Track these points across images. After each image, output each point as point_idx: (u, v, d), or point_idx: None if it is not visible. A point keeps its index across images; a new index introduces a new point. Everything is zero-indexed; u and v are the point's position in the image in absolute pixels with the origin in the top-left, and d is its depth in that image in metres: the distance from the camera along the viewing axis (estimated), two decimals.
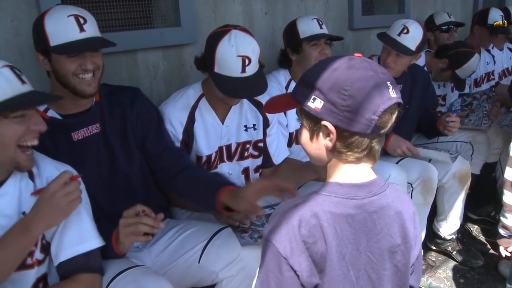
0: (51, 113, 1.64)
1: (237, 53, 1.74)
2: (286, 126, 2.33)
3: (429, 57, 3.04)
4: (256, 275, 1.08)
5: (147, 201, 1.63)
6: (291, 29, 2.42)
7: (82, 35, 1.53)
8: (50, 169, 1.43)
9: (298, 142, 2.35)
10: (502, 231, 1.92)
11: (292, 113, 2.31)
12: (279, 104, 1.14)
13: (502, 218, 1.91)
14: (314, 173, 2.05)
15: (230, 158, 2.07)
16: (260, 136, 2.11)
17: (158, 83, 2.32)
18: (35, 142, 1.34)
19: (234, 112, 2.03)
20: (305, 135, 1.05)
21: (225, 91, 1.81)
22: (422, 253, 2.57)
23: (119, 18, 2.17)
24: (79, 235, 1.42)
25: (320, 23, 2.37)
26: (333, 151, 1.01)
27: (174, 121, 1.90)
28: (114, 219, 1.57)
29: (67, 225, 1.41)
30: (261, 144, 2.13)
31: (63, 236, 1.41)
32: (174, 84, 2.34)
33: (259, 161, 2.15)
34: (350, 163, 1.02)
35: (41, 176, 1.42)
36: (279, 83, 2.39)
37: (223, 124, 2.00)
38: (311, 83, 0.99)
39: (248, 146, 2.10)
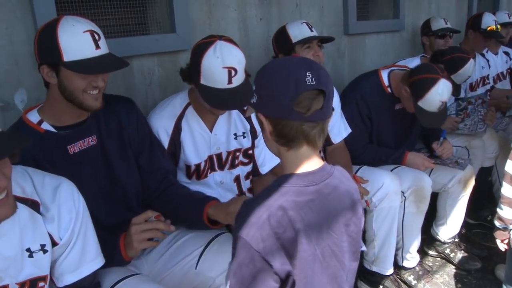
0: (46, 125, 1.59)
1: (223, 65, 1.74)
2: None
3: (425, 62, 3.03)
4: (228, 268, 1.11)
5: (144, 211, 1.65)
6: (281, 35, 2.42)
7: (98, 52, 1.50)
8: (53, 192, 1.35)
9: None
10: (497, 223, 1.92)
11: None
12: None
13: (498, 210, 1.90)
14: None
15: (221, 167, 2.06)
16: (249, 143, 2.10)
17: (153, 89, 2.32)
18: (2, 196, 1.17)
19: (222, 120, 2.02)
20: (261, 130, 1.15)
21: (212, 103, 1.81)
22: (419, 259, 2.63)
23: (114, 24, 2.16)
24: (85, 256, 1.41)
25: (310, 26, 2.40)
26: (276, 142, 1.11)
27: (160, 130, 1.91)
28: (113, 230, 1.58)
29: (74, 246, 1.39)
30: (251, 152, 2.13)
31: (69, 257, 1.39)
32: (169, 91, 2.34)
33: (249, 167, 2.15)
34: (295, 152, 1.11)
35: (48, 204, 1.34)
36: None
37: (211, 132, 2.00)
38: (254, 83, 1.14)
39: (238, 154, 2.09)
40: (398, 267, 2.62)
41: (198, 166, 1.99)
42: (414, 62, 2.96)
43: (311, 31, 2.38)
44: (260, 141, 2.15)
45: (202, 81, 1.79)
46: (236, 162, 2.10)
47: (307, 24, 2.40)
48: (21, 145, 1.11)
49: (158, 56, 2.31)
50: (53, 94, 1.57)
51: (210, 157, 2.02)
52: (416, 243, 2.59)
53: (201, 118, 1.98)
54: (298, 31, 2.38)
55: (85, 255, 1.41)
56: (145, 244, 1.56)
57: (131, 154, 1.78)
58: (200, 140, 1.98)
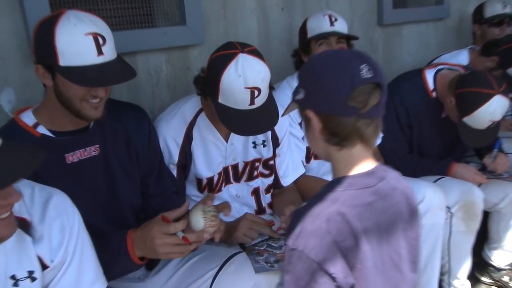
0: (42, 129, 1.62)
1: (245, 85, 1.76)
2: (302, 139, 2.38)
3: (474, 55, 3.04)
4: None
5: None
6: (301, 28, 2.47)
7: (100, 59, 1.51)
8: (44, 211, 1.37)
9: (317, 157, 2.44)
10: None
11: None
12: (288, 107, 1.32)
13: None
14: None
15: (237, 179, 2.12)
16: (270, 153, 2.15)
17: (160, 89, 2.38)
18: (5, 215, 1.20)
19: None
20: (306, 129, 1.22)
21: (232, 128, 1.85)
22: (470, 286, 2.62)
23: (116, 15, 2.23)
24: (82, 280, 1.41)
25: (333, 19, 2.37)
26: (326, 141, 1.18)
27: (169, 140, 1.96)
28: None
29: (68, 268, 1.39)
30: (272, 162, 2.17)
31: (63, 282, 1.38)
32: (179, 91, 2.41)
33: (270, 180, 2.20)
34: (348, 152, 1.18)
35: (37, 221, 1.35)
36: (293, 89, 2.46)
37: (227, 142, 2.04)
38: (298, 77, 1.21)
39: (257, 164, 2.14)
40: None
41: (210, 180, 2.05)
42: (461, 56, 2.97)
43: (332, 25, 2.38)
44: (281, 149, 2.20)
45: (221, 100, 1.82)
46: (255, 173, 2.16)
47: (329, 17, 2.40)
48: (41, 160, 1.17)
49: (166, 51, 2.37)
50: (49, 97, 1.61)
51: (225, 169, 2.09)
52: (465, 268, 2.59)
53: (215, 126, 2.02)
54: (316, 24, 2.40)
55: (81, 279, 1.41)
56: (170, 256, 1.61)
57: (136, 172, 1.82)
58: (214, 151, 2.04)
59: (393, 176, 1.24)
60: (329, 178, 2.43)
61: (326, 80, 1.13)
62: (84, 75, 1.49)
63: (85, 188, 1.68)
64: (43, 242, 1.34)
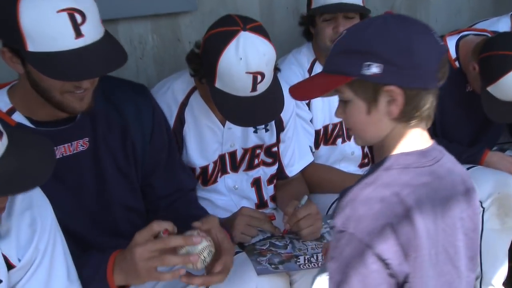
0: (18, 117, 1.54)
1: (247, 70, 1.73)
2: (311, 121, 2.36)
3: None
4: (327, 277, 1.18)
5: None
6: None
7: (79, 43, 1.39)
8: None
9: (327, 142, 2.44)
10: None
11: (319, 105, 2.36)
12: (317, 87, 1.27)
13: None
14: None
15: (235, 168, 2.10)
16: (273, 139, 2.13)
17: (146, 64, 2.35)
18: None
19: None
20: (359, 110, 1.21)
21: (229, 117, 1.84)
22: None
23: None
24: (52, 283, 1.39)
25: None
26: (397, 118, 1.18)
27: None
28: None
29: (38, 268, 1.37)
30: (275, 149, 2.16)
31: (30, 284, 1.36)
32: (167, 66, 2.37)
33: (273, 169, 2.18)
34: (411, 128, 1.21)
35: (3, 215, 1.31)
36: (301, 65, 2.40)
37: (224, 126, 2.03)
38: (360, 50, 1.17)
39: (258, 151, 2.12)
40: None
41: (204, 169, 2.03)
42: (501, 24, 2.89)
43: None
44: (286, 134, 2.18)
45: (218, 85, 1.80)
46: (256, 161, 2.14)
47: None
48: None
49: (152, 19, 2.35)
50: (24, 84, 1.51)
51: (221, 157, 2.07)
52: (501, 273, 2.55)
53: (210, 108, 2.01)
54: None
55: (52, 281, 1.39)
56: (156, 276, 1.48)
57: (133, 169, 1.76)
58: (208, 136, 2.02)
59: (449, 158, 1.26)
60: (340, 166, 2.51)
61: (419, 51, 1.15)
62: (58, 65, 1.38)
63: (68, 189, 1.63)
64: (10, 238, 1.31)
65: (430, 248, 1.16)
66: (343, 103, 1.24)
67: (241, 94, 1.79)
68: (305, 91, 1.33)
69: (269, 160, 2.17)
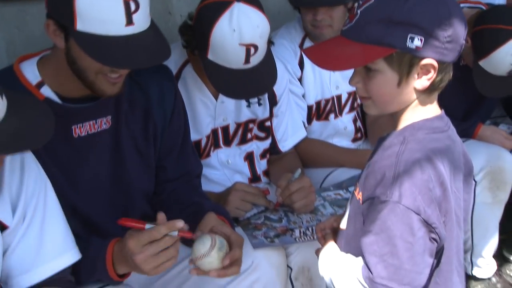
0: (47, 91, 1.53)
1: (240, 41, 1.73)
2: (303, 96, 2.36)
3: None
4: (367, 254, 1.18)
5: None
6: None
7: (128, 30, 1.40)
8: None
9: (320, 118, 2.45)
10: None
11: (310, 81, 2.36)
12: (352, 58, 1.23)
13: None
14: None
15: (227, 143, 2.11)
16: (266, 113, 2.15)
17: None
18: None
19: None
20: (389, 82, 1.22)
21: (222, 89, 1.84)
22: (496, 266, 2.66)
23: None
24: (45, 248, 1.38)
25: None
26: (426, 89, 1.21)
27: None
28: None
29: (28, 229, 1.36)
30: (268, 123, 2.17)
31: (21, 248, 1.36)
32: None
33: (266, 144, 2.19)
34: (431, 97, 1.25)
35: None
36: (293, 40, 2.39)
37: (216, 100, 2.03)
38: (403, 21, 1.17)
39: (251, 126, 2.13)
40: (466, 276, 2.63)
41: (197, 143, 2.04)
42: None
43: None
44: (280, 109, 2.19)
45: (210, 57, 1.79)
46: (249, 136, 2.15)
47: None
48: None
49: None
50: (58, 58, 1.50)
51: (214, 131, 2.07)
52: (491, 245, 2.60)
53: (203, 81, 2.01)
54: None
55: (45, 246, 1.38)
56: (161, 269, 1.46)
57: (152, 151, 1.76)
58: (201, 110, 2.02)
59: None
60: (333, 141, 2.51)
61: (456, 24, 1.17)
62: (104, 49, 1.39)
63: (87, 168, 1.63)
64: (2, 197, 1.31)
65: (454, 211, 1.21)
66: (366, 71, 1.23)
67: (233, 66, 1.79)
68: (336, 62, 1.28)
69: (262, 135, 2.18)
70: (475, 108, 2.71)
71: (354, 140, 2.57)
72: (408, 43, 1.16)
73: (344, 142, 2.53)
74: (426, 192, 1.14)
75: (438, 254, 1.20)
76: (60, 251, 1.42)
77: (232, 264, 1.53)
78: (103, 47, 1.39)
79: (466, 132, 2.59)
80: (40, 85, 1.53)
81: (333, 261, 1.32)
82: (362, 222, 1.24)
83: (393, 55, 1.18)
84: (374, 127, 2.53)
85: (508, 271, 2.85)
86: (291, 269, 1.84)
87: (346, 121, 2.52)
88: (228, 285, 1.72)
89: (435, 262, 1.20)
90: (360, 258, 1.23)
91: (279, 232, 1.84)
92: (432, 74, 1.19)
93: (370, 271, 1.16)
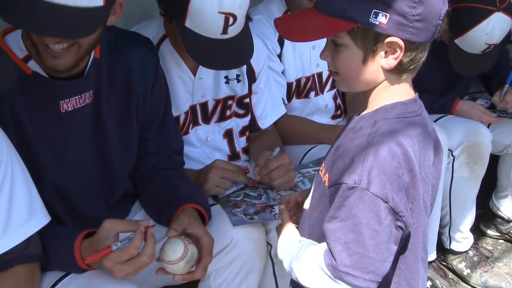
0: (34, 65, 1.53)
1: (220, 9, 1.73)
2: (282, 73, 2.36)
3: None
4: (331, 241, 1.15)
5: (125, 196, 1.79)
6: None
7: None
8: None
9: (300, 96, 2.45)
10: None
11: (290, 58, 2.36)
12: (316, 30, 1.22)
13: None
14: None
15: (206, 120, 2.11)
16: (245, 90, 2.15)
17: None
18: None
19: None
20: (354, 58, 1.19)
21: (198, 58, 1.85)
22: (473, 240, 2.70)
23: None
24: (12, 215, 1.38)
25: None
26: (394, 70, 1.18)
27: None
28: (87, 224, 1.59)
29: None
30: (247, 100, 2.18)
31: None
32: (135, 14, 2.31)
33: (245, 121, 2.20)
34: (403, 79, 1.21)
35: None
36: (271, 16, 2.35)
37: (195, 76, 2.03)
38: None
39: (230, 102, 2.14)
40: (444, 250, 2.70)
41: (176, 119, 2.03)
42: None
43: None
44: (259, 85, 2.19)
45: (188, 24, 1.78)
46: (228, 113, 2.15)
47: None
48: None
49: None
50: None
51: (192, 108, 2.07)
52: (469, 219, 2.65)
53: (181, 57, 2.00)
54: None
55: (12, 213, 1.38)
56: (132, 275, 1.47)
57: (134, 124, 1.77)
58: (179, 86, 2.02)
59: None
60: (313, 118, 2.50)
61: (429, 4, 1.15)
62: (204, 51, 1.80)
63: (73, 144, 1.65)
64: None
65: (422, 198, 1.19)
66: (334, 45, 1.21)
67: (211, 35, 1.79)
68: (301, 32, 1.27)
69: (241, 112, 2.19)
70: (453, 84, 2.74)
71: (334, 117, 2.58)
72: (372, 19, 1.13)
73: (324, 119, 2.54)
74: (395, 179, 1.12)
75: (403, 241, 1.19)
76: (26, 217, 1.42)
77: (200, 268, 1.56)
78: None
79: (444, 107, 2.64)
80: (27, 59, 1.53)
81: (293, 246, 1.29)
82: (326, 207, 1.21)
83: (356, 30, 1.15)
84: (354, 104, 2.54)
85: (484, 245, 2.92)
86: (271, 246, 1.86)
87: (327, 98, 2.53)
88: None
89: (401, 250, 1.20)
90: (321, 244, 1.21)
91: (258, 209, 1.86)
92: (399, 54, 1.15)
93: (334, 259, 1.14)
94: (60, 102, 1.58)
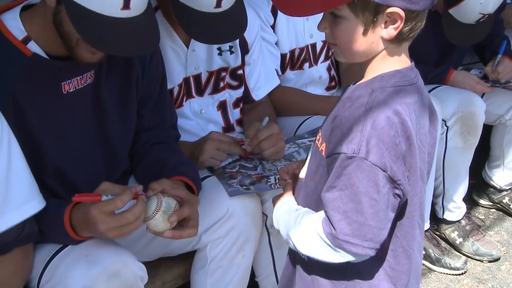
0: (34, 46, 1.51)
1: None
2: (276, 44, 2.36)
3: None
4: (330, 210, 1.16)
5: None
6: None
7: (122, 14, 1.39)
8: None
9: (294, 67, 2.45)
10: None
11: (283, 28, 2.35)
12: (316, 3, 1.20)
13: None
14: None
15: (200, 92, 2.11)
16: (238, 61, 2.15)
17: None
18: None
19: None
20: (354, 30, 1.18)
21: (192, 33, 1.83)
22: (466, 209, 2.74)
23: None
24: (15, 197, 1.39)
25: None
26: (394, 39, 1.18)
27: None
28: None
29: None
30: (240, 72, 2.18)
31: None
32: None
33: (239, 92, 2.20)
34: (400, 48, 1.21)
35: None
36: None
37: (187, 48, 2.03)
38: None
39: (224, 74, 2.14)
40: (437, 220, 2.74)
41: (169, 92, 2.02)
42: None
43: None
44: (252, 57, 2.19)
45: None
46: (222, 84, 2.15)
47: None
48: None
49: None
50: (46, 15, 1.48)
51: (186, 80, 2.07)
52: (462, 189, 2.68)
53: (174, 29, 1.99)
54: None
55: (10, 194, 1.38)
56: (126, 235, 1.48)
57: (134, 103, 1.78)
58: (172, 58, 2.01)
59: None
60: (308, 89, 2.50)
61: None
62: (93, 27, 1.38)
63: (75, 125, 1.65)
64: None
65: (418, 166, 1.21)
66: (333, 17, 1.19)
67: (204, 9, 1.76)
68: (298, 6, 1.23)
69: (235, 83, 2.19)
70: (447, 54, 2.74)
71: (328, 88, 2.58)
72: None
73: (318, 90, 2.53)
74: (393, 147, 1.13)
75: (400, 209, 1.21)
76: (25, 199, 1.42)
77: (188, 226, 1.55)
78: (93, 24, 1.39)
79: (439, 78, 2.64)
80: (26, 40, 1.51)
81: (290, 215, 1.30)
82: (324, 176, 1.22)
83: (357, 2, 1.14)
84: (348, 75, 2.53)
85: (476, 214, 2.97)
86: (266, 216, 1.88)
87: (321, 70, 2.53)
88: (203, 233, 1.77)
89: (397, 217, 1.21)
90: (319, 213, 1.22)
91: (254, 180, 1.88)
92: (399, 24, 1.15)
93: (333, 227, 1.15)
94: (62, 83, 1.57)
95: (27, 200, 1.43)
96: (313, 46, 2.47)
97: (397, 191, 1.14)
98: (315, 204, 1.24)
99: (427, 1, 1.16)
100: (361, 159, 1.12)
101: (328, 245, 1.17)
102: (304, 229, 1.23)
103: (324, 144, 1.24)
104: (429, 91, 2.54)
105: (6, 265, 1.46)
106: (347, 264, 1.19)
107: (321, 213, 1.21)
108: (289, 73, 2.44)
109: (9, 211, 1.38)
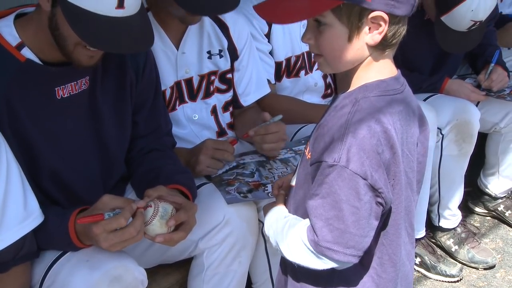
0: (28, 52, 1.51)
1: None
2: (270, 53, 2.35)
3: None
4: (313, 217, 1.17)
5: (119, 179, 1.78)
6: None
7: (117, 13, 1.40)
8: None
9: (290, 75, 2.46)
10: None
11: (279, 37, 2.35)
12: (301, 10, 1.20)
13: None
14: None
15: (193, 97, 2.10)
16: (228, 65, 2.14)
17: None
18: None
19: (192, 34, 2.03)
20: (339, 37, 1.18)
21: (188, 6, 1.80)
22: (461, 217, 2.74)
23: None
24: (13, 214, 1.39)
25: None
26: (378, 45, 1.18)
27: None
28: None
29: None
30: (229, 76, 2.16)
31: None
32: None
33: (228, 96, 2.19)
34: (385, 56, 1.21)
35: None
36: None
37: (178, 50, 2.03)
38: None
39: (213, 78, 2.13)
40: (432, 227, 2.74)
41: (162, 94, 2.01)
42: None
43: None
44: (241, 63, 2.17)
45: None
46: (212, 88, 2.14)
47: None
48: None
49: None
50: (41, 21, 1.49)
51: (178, 84, 2.06)
52: (457, 197, 2.68)
53: (164, 30, 1.99)
54: None
55: (7, 212, 1.38)
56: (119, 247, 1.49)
57: (129, 108, 1.77)
58: (162, 60, 2.00)
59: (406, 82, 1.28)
60: (304, 98, 2.51)
61: None
62: (89, 26, 1.39)
63: (70, 130, 1.65)
64: None
65: (403, 174, 1.20)
66: (317, 25, 1.18)
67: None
68: (284, 15, 1.23)
69: (223, 87, 2.18)
70: (442, 63, 2.75)
71: (324, 96, 2.58)
72: None
73: (315, 98, 2.53)
74: (374, 156, 1.12)
75: (384, 217, 1.20)
76: (22, 217, 1.42)
77: (180, 229, 1.54)
78: (89, 24, 1.39)
79: (434, 86, 2.65)
80: (20, 46, 1.51)
81: (279, 222, 1.30)
82: (311, 184, 1.22)
83: (341, 7, 1.14)
84: (344, 83, 2.55)
85: (472, 221, 2.97)
86: (263, 224, 1.82)
87: (316, 77, 2.52)
88: (200, 240, 1.77)
89: (382, 225, 1.21)
90: (305, 220, 1.22)
91: (252, 187, 1.87)
92: (383, 28, 1.15)
93: (316, 234, 1.16)
94: (56, 88, 1.57)
95: (23, 219, 1.43)
96: (309, 53, 2.45)
97: (379, 200, 1.14)
98: (304, 212, 1.23)
99: (408, 6, 1.16)
100: (341, 167, 1.12)
101: (312, 252, 1.17)
102: (290, 236, 1.23)
103: (310, 153, 1.24)
104: (424, 100, 2.57)
105: (2, 284, 1.45)
106: (334, 271, 1.19)
107: (307, 221, 1.20)
108: (285, 81, 2.44)
109: (4, 232, 1.38)
